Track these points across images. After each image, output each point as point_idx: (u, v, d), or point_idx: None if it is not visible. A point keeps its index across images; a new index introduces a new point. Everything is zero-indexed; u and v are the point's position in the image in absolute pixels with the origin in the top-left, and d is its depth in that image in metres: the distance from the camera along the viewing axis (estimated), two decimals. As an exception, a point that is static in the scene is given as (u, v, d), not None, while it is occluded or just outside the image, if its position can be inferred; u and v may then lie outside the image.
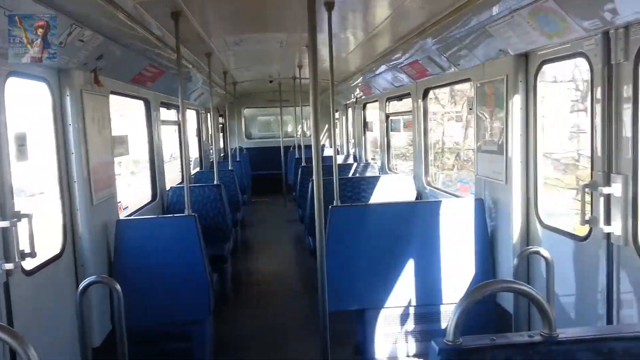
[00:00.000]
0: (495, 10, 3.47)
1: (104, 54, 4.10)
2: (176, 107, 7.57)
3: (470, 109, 5.05)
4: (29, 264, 3.23)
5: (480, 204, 4.37)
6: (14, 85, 3.22)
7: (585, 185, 3.17)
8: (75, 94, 3.90)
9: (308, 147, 10.88)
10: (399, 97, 7.82)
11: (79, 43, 3.57)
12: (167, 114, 7.49)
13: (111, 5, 3.28)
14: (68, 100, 3.87)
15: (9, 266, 2.90)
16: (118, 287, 3.03)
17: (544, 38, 3.39)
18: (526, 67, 3.92)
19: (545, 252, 3.25)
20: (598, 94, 3.07)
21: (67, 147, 3.90)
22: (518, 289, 1.61)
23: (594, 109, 3.13)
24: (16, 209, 3.05)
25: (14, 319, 2.99)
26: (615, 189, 2.97)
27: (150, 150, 6.36)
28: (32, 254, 3.08)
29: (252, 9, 4.49)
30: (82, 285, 3.03)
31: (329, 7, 3.98)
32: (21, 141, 3.37)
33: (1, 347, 2.83)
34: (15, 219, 2.96)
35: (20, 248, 3.01)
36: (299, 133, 13.44)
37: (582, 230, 3.35)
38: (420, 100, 6.37)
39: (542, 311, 1.54)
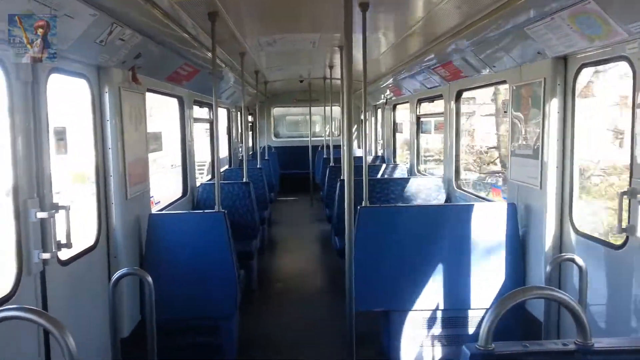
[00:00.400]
0: (533, 12, 3.40)
1: (142, 53, 4.18)
2: (208, 105, 7.68)
3: (504, 112, 4.96)
4: (64, 254, 3.33)
5: (512, 209, 4.30)
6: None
7: (623, 193, 3.09)
8: (114, 91, 4.00)
9: (336, 147, 10.90)
10: (431, 99, 7.75)
11: (119, 42, 3.66)
12: (197, 111, 7.60)
13: (149, 4, 3.35)
14: (107, 97, 3.96)
15: (45, 256, 2.98)
16: (150, 279, 3.09)
17: (584, 41, 3.31)
18: (565, 70, 3.83)
19: (579, 260, 3.18)
20: (640, 98, 2.98)
21: (105, 142, 4.00)
22: (554, 297, 1.58)
23: (635, 114, 3.05)
24: (54, 201, 3.14)
25: (49, 307, 3.08)
26: None
27: (182, 147, 6.46)
28: (68, 245, 3.16)
29: (286, 10, 4.51)
30: (115, 276, 3.10)
31: (364, 8, 3.97)
32: (61, 135, 3.48)
33: (35, 332, 2.93)
34: (53, 211, 3.04)
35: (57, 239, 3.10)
36: (327, 133, 13.46)
37: (618, 239, 3.26)
38: (452, 102, 6.29)
39: (578, 320, 1.51)
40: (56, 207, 3.09)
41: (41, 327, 1.56)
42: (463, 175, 6.70)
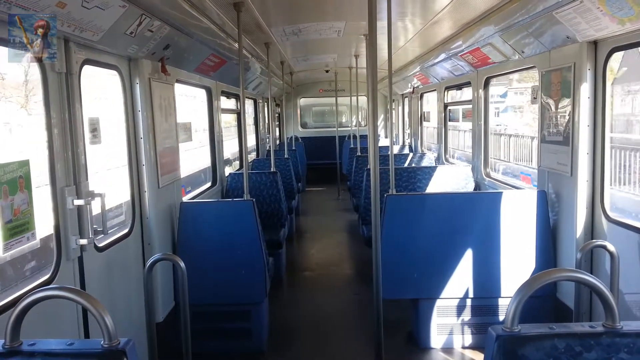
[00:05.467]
0: (563, -5, 3.33)
1: (171, 44, 4.26)
2: (235, 96, 7.77)
3: (534, 98, 4.88)
4: (100, 240, 3.46)
5: (542, 196, 4.24)
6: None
7: None
8: (144, 82, 4.09)
9: (363, 137, 10.86)
10: (459, 87, 7.66)
11: (148, 33, 3.74)
12: (226, 103, 7.69)
13: None
14: (138, 88, 4.05)
15: (83, 241, 3.10)
16: (182, 264, 3.18)
17: (615, 24, 3.22)
18: (595, 54, 3.75)
19: (610, 246, 3.12)
20: (674, 81, 2.90)
21: (137, 132, 4.10)
22: (580, 279, 1.57)
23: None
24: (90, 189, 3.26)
25: (87, 290, 3.21)
26: None
27: (210, 138, 6.56)
28: (104, 231, 3.28)
29: (311, -2, 4.53)
30: (149, 261, 3.20)
31: None
32: (95, 125, 3.59)
33: (74, 313, 3.07)
34: (89, 198, 3.16)
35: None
36: (354, 123, 13.42)
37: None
38: (481, 90, 6.21)
39: (605, 302, 1.50)
40: (92, 195, 3.20)
41: (80, 305, 1.64)
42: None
